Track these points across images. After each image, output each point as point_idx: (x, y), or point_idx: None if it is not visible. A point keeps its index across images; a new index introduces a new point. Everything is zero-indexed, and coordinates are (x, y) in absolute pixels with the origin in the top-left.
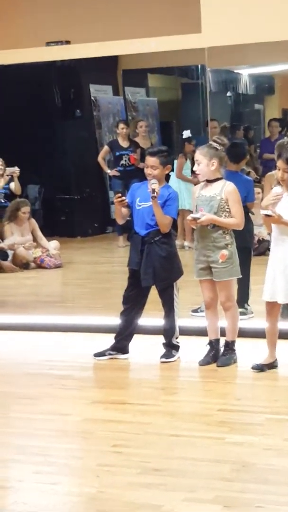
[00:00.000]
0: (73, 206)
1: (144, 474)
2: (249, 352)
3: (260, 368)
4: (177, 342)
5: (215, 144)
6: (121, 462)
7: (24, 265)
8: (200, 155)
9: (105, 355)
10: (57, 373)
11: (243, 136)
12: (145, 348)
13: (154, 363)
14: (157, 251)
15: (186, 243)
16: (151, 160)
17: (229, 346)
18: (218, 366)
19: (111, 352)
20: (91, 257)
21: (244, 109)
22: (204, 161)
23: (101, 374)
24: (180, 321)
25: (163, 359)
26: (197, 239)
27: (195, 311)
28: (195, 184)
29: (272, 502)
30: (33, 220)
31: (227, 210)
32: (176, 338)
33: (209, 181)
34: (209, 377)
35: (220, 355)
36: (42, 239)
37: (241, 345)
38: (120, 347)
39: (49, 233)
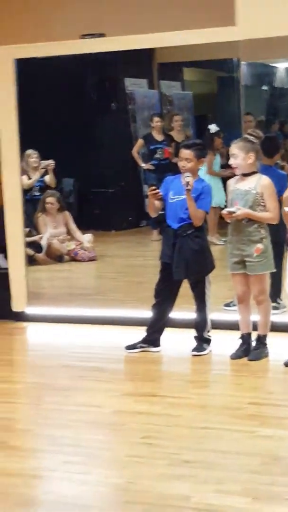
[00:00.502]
0: (108, 200)
1: (174, 465)
2: (281, 346)
3: None
4: (209, 336)
5: (250, 138)
6: (151, 453)
7: (58, 258)
8: (236, 148)
9: (136, 347)
10: (89, 365)
11: (278, 130)
12: (176, 342)
13: (185, 356)
14: (190, 245)
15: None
16: (185, 153)
17: (261, 340)
18: (249, 360)
19: (143, 345)
20: (125, 251)
21: (280, 103)
22: (241, 155)
23: (133, 366)
24: (212, 315)
25: (195, 352)
26: (231, 233)
27: (227, 305)
28: (226, 178)
29: None
30: (67, 213)
31: (262, 204)
32: (208, 331)
33: (244, 175)
34: (240, 371)
35: (251, 349)
36: (76, 232)
37: (273, 339)
38: (152, 340)
39: (84, 227)
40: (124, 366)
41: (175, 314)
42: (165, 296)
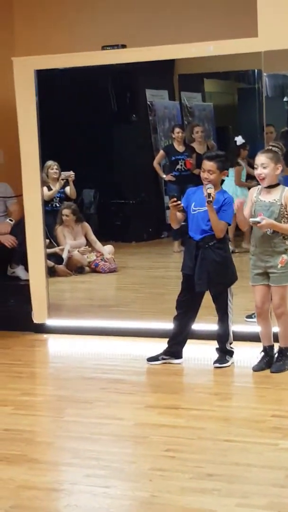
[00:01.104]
0: (128, 211)
1: (197, 479)
2: None
3: None
4: (231, 348)
5: (275, 149)
6: (174, 466)
7: (78, 269)
8: (267, 158)
9: (158, 359)
10: (111, 377)
11: None
12: (198, 354)
13: (207, 368)
14: (212, 256)
15: (244, 245)
16: (208, 165)
17: (283, 352)
18: (272, 372)
19: (165, 357)
20: (146, 262)
21: None
22: (271, 165)
23: (155, 378)
24: (234, 327)
25: (217, 364)
26: (255, 245)
27: (249, 316)
28: (249, 188)
29: None
30: (85, 224)
31: (287, 216)
32: (230, 343)
33: (268, 187)
34: (263, 383)
35: (274, 361)
36: (96, 243)
37: None
38: (174, 351)
39: (104, 238)
40: (146, 378)
41: (197, 325)
42: (187, 307)
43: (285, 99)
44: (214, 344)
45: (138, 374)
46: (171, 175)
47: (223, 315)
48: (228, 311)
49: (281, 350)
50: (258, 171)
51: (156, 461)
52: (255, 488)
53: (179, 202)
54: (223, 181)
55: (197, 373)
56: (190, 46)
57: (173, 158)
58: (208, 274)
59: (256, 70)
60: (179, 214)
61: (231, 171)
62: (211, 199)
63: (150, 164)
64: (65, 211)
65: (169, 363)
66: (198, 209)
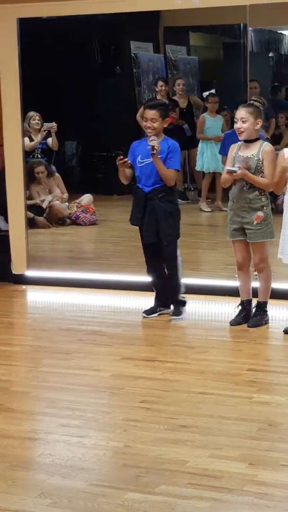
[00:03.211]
0: (110, 164)
1: (171, 430)
2: (281, 314)
3: None
4: (183, 297)
5: (257, 104)
6: (148, 418)
7: (59, 221)
8: (247, 113)
9: (156, 312)
10: (89, 329)
11: (284, 98)
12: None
13: (185, 322)
14: (162, 207)
15: (219, 203)
16: (150, 113)
17: (261, 307)
18: (249, 327)
19: (161, 308)
20: (127, 215)
21: (286, 70)
22: (250, 120)
23: (132, 331)
24: (214, 281)
25: (174, 317)
26: (232, 200)
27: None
28: (218, 142)
29: None
30: (57, 175)
31: (263, 171)
32: (182, 294)
33: (248, 142)
34: (240, 337)
35: (251, 316)
36: (64, 193)
37: (273, 306)
38: (165, 302)
39: (86, 190)
40: (124, 330)
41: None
42: (150, 256)
43: (270, 54)
44: (196, 298)
45: (116, 326)
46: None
47: (173, 268)
48: (177, 263)
49: (259, 305)
50: (238, 125)
51: (131, 412)
52: (228, 440)
53: (126, 159)
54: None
55: (174, 326)
56: None
57: None
58: (156, 226)
59: (241, 24)
60: (128, 170)
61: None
62: (154, 151)
63: (133, 117)
64: (39, 169)
65: (164, 313)
66: (145, 161)
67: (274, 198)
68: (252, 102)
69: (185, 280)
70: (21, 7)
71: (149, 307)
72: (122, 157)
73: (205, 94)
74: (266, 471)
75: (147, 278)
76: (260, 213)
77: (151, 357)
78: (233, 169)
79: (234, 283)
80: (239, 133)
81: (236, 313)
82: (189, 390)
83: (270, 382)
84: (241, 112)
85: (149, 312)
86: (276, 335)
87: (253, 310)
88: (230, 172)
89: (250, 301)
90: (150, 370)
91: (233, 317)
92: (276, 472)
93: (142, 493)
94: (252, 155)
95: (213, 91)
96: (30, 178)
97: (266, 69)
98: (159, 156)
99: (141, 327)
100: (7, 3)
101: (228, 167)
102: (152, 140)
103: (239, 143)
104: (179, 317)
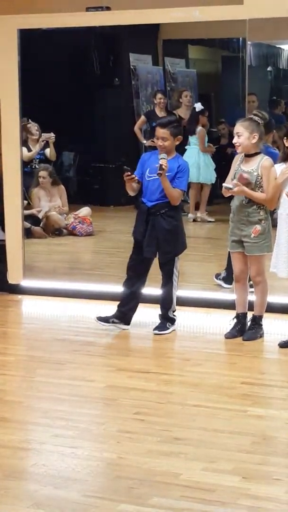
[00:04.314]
0: (108, 175)
1: (165, 442)
2: (276, 327)
3: (286, 345)
4: (174, 315)
5: (256, 118)
6: (142, 429)
7: (56, 231)
8: (241, 127)
9: (108, 321)
10: (84, 340)
11: (283, 112)
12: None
13: (180, 334)
14: (162, 224)
15: (199, 214)
16: (161, 132)
17: (256, 320)
18: (244, 340)
19: (115, 320)
20: (123, 226)
21: (284, 84)
22: (245, 134)
23: (128, 342)
24: (209, 294)
25: (156, 331)
26: (233, 212)
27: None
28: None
29: None
30: (62, 187)
31: (263, 185)
32: (173, 311)
33: (248, 156)
34: (235, 351)
35: (246, 329)
36: (65, 206)
37: (268, 320)
38: (125, 317)
39: (82, 201)
40: (119, 342)
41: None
42: (136, 271)
43: (268, 68)
44: (191, 311)
45: (111, 337)
46: (152, 141)
47: (167, 282)
48: (173, 279)
49: (254, 318)
50: (234, 140)
51: (125, 423)
52: (222, 453)
53: (133, 175)
54: (184, 150)
55: (169, 338)
56: (175, 11)
57: (154, 123)
58: (157, 242)
59: (240, 38)
60: (135, 185)
61: (193, 139)
62: (161, 171)
63: (131, 129)
64: (42, 173)
65: (117, 327)
66: (153, 176)
67: (272, 212)
68: (251, 116)
69: (180, 293)
70: (21, 18)
71: (104, 315)
72: (129, 173)
73: (198, 108)
74: (259, 485)
75: (144, 290)
76: (258, 227)
77: (145, 368)
78: (229, 186)
79: (230, 296)
80: (236, 147)
81: (231, 326)
82: (183, 402)
83: (264, 396)
84: (237, 127)
85: (102, 319)
86: (270, 349)
87: (248, 323)
88: (227, 189)
89: (245, 314)
90: (145, 381)
91: (228, 330)
92: (269, 485)
93: (135, 504)
94: (252, 169)
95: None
96: (35, 182)
97: (264, 83)
98: (167, 174)
99: (136, 338)
100: (8, 14)
101: (225, 183)
102: (161, 159)
103: (242, 155)
104: (163, 332)
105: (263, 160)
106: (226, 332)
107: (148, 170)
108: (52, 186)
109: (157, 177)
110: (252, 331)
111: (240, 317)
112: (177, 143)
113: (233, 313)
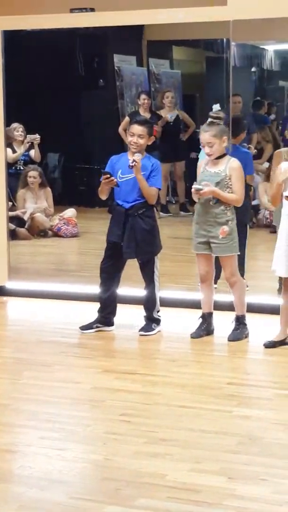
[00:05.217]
0: (93, 176)
1: (151, 443)
2: (261, 327)
3: (272, 345)
4: (158, 316)
5: (218, 121)
6: (128, 431)
7: (41, 232)
8: (211, 137)
9: (92, 328)
10: (70, 341)
11: (266, 113)
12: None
13: (166, 336)
14: (140, 224)
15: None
16: (139, 129)
17: (240, 320)
18: (229, 340)
19: (98, 325)
20: None
21: (268, 85)
22: (217, 141)
23: (113, 343)
24: (194, 294)
25: (142, 332)
26: (198, 213)
27: None
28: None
29: (277, 475)
30: (49, 189)
31: (230, 186)
32: (158, 311)
33: (216, 158)
34: (220, 351)
35: (232, 329)
36: (51, 208)
37: (252, 320)
38: (106, 320)
39: (68, 202)
40: (105, 343)
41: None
42: (110, 273)
43: (252, 69)
44: (176, 312)
45: (97, 339)
46: None
47: (149, 283)
48: (154, 279)
49: (238, 318)
50: (207, 150)
51: (111, 425)
52: (208, 454)
53: (112, 178)
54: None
55: (155, 339)
56: (159, 12)
57: None
58: (136, 243)
59: (224, 39)
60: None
61: None
62: (133, 164)
63: (116, 130)
64: (32, 173)
65: (103, 330)
66: (126, 177)
67: (256, 212)
68: (212, 121)
69: (165, 294)
70: (5, 19)
71: (87, 323)
72: (109, 176)
73: (216, 109)
74: (245, 485)
75: (129, 291)
76: (225, 227)
77: (132, 370)
78: (199, 187)
79: (216, 297)
80: (209, 155)
81: (197, 325)
82: (170, 403)
83: (250, 396)
84: (205, 137)
85: (85, 327)
86: (256, 349)
87: (233, 324)
88: (197, 190)
89: (211, 314)
90: (131, 383)
91: (194, 330)
92: (255, 486)
93: (122, 506)
94: (220, 170)
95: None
96: (22, 183)
97: (248, 83)
98: (142, 173)
99: (122, 339)
100: None
101: (195, 185)
102: (136, 155)
103: (207, 158)
104: (149, 333)
105: (231, 161)
106: (191, 332)
107: (121, 171)
108: (39, 188)
109: (131, 177)
110: (237, 331)
111: (206, 317)
112: (150, 143)
113: (219, 314)
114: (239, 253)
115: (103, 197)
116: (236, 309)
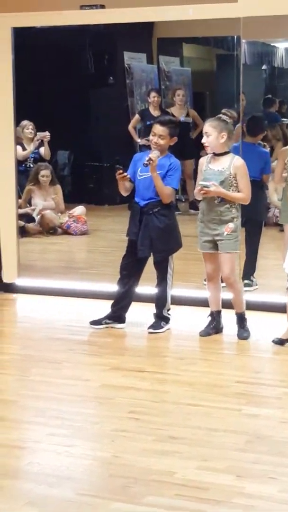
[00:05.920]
0: (102, 174)
1: (159, 441)
2: (270, 326)
3: (280, 342)
4: (168, 314)
5: (224, 117)
6: (137, 428)
7: (51, 230)
8: (210, 127)
9: (101, 323)
10: (79, 339)
11: (277, 110)
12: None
13: (174, 333)
14: (155, 223)
15: None
16: (160, 129)
17: (241, 317)
18: (240, 339)
19: (108, 321)
20: (118, 226)
21: (279, 83)
22: (214, 134)
23: (122, 341)
24: (204, 293)
25: (151, 330)
26: (203, 212)
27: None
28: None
29: (285, 474)
30: (58, 186)
31: (235, 185)
32: (168, 310)
33: (217, 155)
34: (229, 349)
35: (239, 328)
36: (61, 205)
37: (263, 319)
38: (117, 316)
39: (77, 200)
40: (114, 341)
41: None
42: (130, 271)
43: (263, 66)
44: (186, 310)
45: (106, 336)
46: (146, 140)
47: (161, 281)
48: (167, 278)
49: (239, 316)
50: (203, 140)
51: (120, 422)
52: (216, 452)
53: (125, 174)
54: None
55: (164, 337)
56: (170, 9)
57: (148, 122)
58: (150, 241)
59: (235, 37)
60: (128, 183)
61: None
62: (148, 162)
63: (125, 128)
64: (45, 172)
65: (112, 327)
66: (144, 175)
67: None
68: (220, 115)
69: (174, 292)
70: (15, 16)
71: (97, 318)
72: (121, 171)
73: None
74: (253, 484)
75: (140, 289)
76: (230, 224)
77: (140, 367)
78: (206, 183)
79: (224, 295)
80: (205, 147)
81: (206, 324)
82: (178, 401)
83: (258, 395)
84: (205, 127)
85: (95, 322)
86: (265, 348)
87: (236, 324)
88: (204, 187)
89: (219, 312)
90: (139, 380)
91: (202, 328)
92: (263, 484)
93: (130, 503)
94: (224, 168)
95: None
96: (33, 180)
97: (259, 81)
98: (158, 172)
99: (131, 337)
100: (2, 13)
101: (201, 182)
102: (153, 153)
103: (209, 155)
104: (157, 330)
105: (235, 159)
106: (200, 330)
107: (140, 169)
108: (50, 185)
109: (149, 175)
110: (243, 329)
111: (215, 315)
112: (172, 143)
113: (227, 312)
114: (238, 252)
115: (123, 192)
116: (236, 308)
